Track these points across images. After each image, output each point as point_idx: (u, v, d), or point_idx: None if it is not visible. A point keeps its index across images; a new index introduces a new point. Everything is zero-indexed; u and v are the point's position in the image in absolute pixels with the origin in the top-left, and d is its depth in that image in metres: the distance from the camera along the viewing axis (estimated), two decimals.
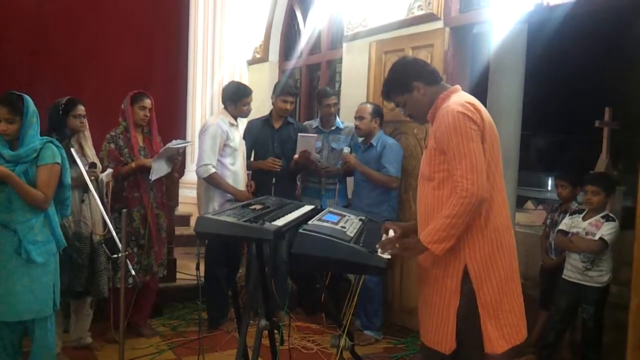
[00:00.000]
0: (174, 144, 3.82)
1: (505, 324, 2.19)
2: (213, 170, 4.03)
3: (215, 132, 4.05)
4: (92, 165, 3.49)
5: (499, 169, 2.26)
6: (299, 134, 4.26)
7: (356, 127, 4.17)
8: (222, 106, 4.28)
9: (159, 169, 3.82)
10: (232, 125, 4.16)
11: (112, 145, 3.76)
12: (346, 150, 4.22)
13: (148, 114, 3.84)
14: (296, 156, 4.23)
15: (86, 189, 3.35)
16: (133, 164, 3.74)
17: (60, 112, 3.45)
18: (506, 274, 2.20)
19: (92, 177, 3.43)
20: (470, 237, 2.17)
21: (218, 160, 4.09)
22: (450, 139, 2.14)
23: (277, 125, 4.44)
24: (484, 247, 2.17)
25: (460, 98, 2.25)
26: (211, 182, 4.07)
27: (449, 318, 2.20)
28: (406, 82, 2.32)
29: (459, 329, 2.19)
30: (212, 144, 4.04)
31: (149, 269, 3.87)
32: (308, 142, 4.18)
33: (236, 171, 4.15)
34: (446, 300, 2.22)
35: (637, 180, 2.85)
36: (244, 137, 4.37)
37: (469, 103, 2.20)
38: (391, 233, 2.42)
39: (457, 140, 2.12)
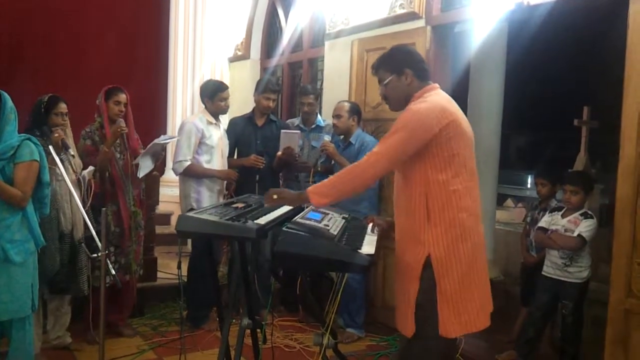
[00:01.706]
0: (162, 139, 3.79)
1: (464, 312, 2.27)
2: (187, 163, 4.04)
3: (190, 130, 4.08)
4: (65, 147, 3.37)
5: (469, 165, 2.32)
6: (282, 130, 4.25)
7: (334, 125, 4.18)
8: (203, 105, 4.28)
9: (146, 165, 3.79)
10: (210, 123, 4.16)
11: (88, 142, 3.71)
12: (327, 138, 4.22)
13: (123, 109, 3.78)
14: (279, 153, 4.22)
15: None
16: (105, 148, 3.63)
17: (43, 109, 3.40)
18: (469, 266, 2.27)
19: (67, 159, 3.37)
20: (434, 229, 2.25)
21: (194, 158, 4.10)
22: (398, 121, 2.27)
23: (260, 122, 4.42)
24: (447, 239, 2.25)
25: (433, 97, 2.33)
26: (189, 174, 4.09)
27: (410, 304, 2.30)
28: (401, 64, 2.39)
29: (418, 313, 2.28)
30: (187, 141, 4.07)
31: (128, 268, 3.83)
32: (291, 138, 4.18)
33: (214, 167, 4.15)
34: (408, 288, 2.32)
35: (615, 178, 2.90)
36: (227, 135, 4.35)
37: (437, 102, 2.28)
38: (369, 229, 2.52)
39: (401, 125, 2.25)
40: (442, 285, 2.25)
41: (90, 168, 3.58)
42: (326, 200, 2.28)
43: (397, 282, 2.43)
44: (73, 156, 3.45)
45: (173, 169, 4.15)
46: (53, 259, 3.36)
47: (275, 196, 2.36)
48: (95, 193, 3.61)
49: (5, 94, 2.75)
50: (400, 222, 2.38)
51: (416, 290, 2.28)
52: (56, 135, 3.38)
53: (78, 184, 3.50)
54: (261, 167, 4.22)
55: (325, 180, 2.33)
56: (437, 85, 2.43)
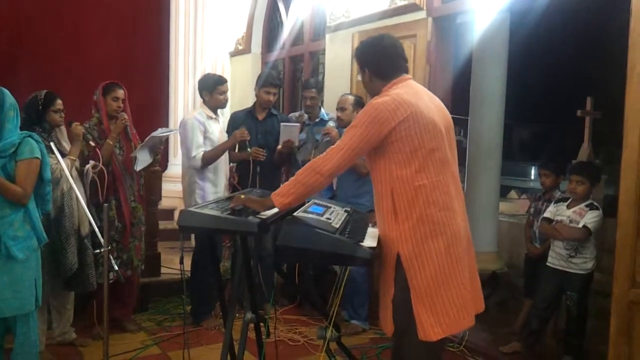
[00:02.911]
0: (159, 132, 3.77)
1: (442, 313, 2.20)
2: (201, 153, 4.03)
3: (193, 124, 4.07)
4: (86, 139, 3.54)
5: (438, 157, 2.25)
6: (282, 124, 4.25)
7: (338, 117, 4.16)
8: (201, 100, 4.27)
9: (143, 158, 3.78)
10: (210, 118, 4.15)
11: (89, 137, 3.70)
12: (331, 124, 4.22)
13: (121, 105, 3.76)
14: (279, 147, 4.21)
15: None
16: (109, 141, 3.65)
17: (40, 106, 3.39)
18: (442, 263, 2.21)
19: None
20: (402, 226, 2.22)
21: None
22: (355, 120, 2.28)
23: (260, 116, 4.41)
24: (415, 236, 2.20)
25: (398, 89, 2.30)
26: (208, 161, 4.06)
27: (388, 304, 2.29)
28: (361, 63, 2.45)
29: (395, 315, 2.27)
30: (194, 134, 4.04)
31: (130, 264, 3.83)
32: (291, 131, 4.17)
33: (216, 163, 4.14)
34: (385, 288, 2.31)
35: (619, 169, 2.88)
36: (228, 129, 4.35)
37: (396, 95, 2.24)
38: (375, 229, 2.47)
39: (354, 123, 2.26)
40: (415, 285, 2.19)
41: (92, 162, 3.57)
42: (289, 199, 2.24)
43: (379, 283, 2.41)
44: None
45: (192, 166, 4.08)
46: (73, 256, 3.39)
47: (242, 196, 2.39)
48: (107, 187, 3.62)
49: (5, 90, 2.74)
50: (377, 221, 2.37)
51: (392, 291, 2.26)
52: (79, 128, 3.45)
53: (80, 178, 3.51)
54: (262, 159, 4.21)
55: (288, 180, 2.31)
56: (407, 76, 2.39)
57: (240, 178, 4.32)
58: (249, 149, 4.17)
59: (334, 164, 2.21)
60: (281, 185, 2.31)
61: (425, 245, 2.19)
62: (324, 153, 2.26)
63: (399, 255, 2.22)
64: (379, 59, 2.40)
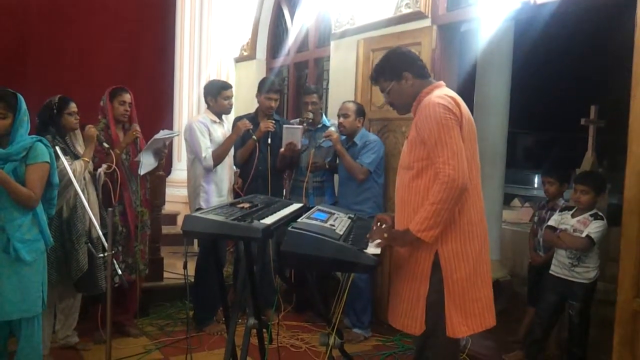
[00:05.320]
0: (161, 134, 3.79)
1: (471, 314, 2.28)
2: (210, 152, 4.05)
3: (199, 127, 4.10)
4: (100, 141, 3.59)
5: (475, 163, 2.34)
6: (284, 126, 4.27)
7: (340, 124, 4.16)
8: (206, 106, 4.29)
9: (148, 162, 3.79)
10: (214, 122, 4.17)
11: (102, 139, 3.72)
12: (333, 128, 4.24)
13: (128, 109, 3.77)
14: (282, 150, 4.22)
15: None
16: (117, 150, 3.67)
17: (55, 110, 3.42)
18: (475, 264, 2.28)
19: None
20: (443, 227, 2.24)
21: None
22: (432, 129, 2.22)
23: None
24: (456, 237, 2.25)
25: (442, 92, 2.34)
26: (219, 158, 4.09)
27: (419, 303, 2.30)
28: (398, 69, 2.40)
29: (427, 313, 2.29)
30: (201, 137, 4.07)
31: (135, 268, 3.84)
32: (293, 133, 4.18)
33: (221, 167, 4.16)
34: (416, 286, 2.31)
35: (623, 177, 2.88)
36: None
37: (449, 96, 2.30)
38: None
39: (437, 129, 2.21)
40: (450, 284, 2.25)
41: (104, 166, 3.59)
42: (439, 229, 2.18)
43: (402, 281, 2.40)
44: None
45: (205, 167, 4.08)
46: (84, 257, 3.41)
47: (386, 235, 2.31)
48: (118, 190, 3.64)
49: (21, 96, 2.78)
50: (407, 220, 2.32)
51: (426, 289, 2.28)
52: (92, 130, 3.50)
53: (93, 181, 3.53)
54: (273, 129, 4.22)
55: (421, 213, 2.20)
56: (442, 82, 2.45)
57: (243, 183, 4.33)
58: (254, 137, 4.20)
59: (461, 170, 2.15)
60: (417, 219, 2.21)
61: (464, 247, 2.25)
62: (445, 167, 2.16)
63: (437, 253, 2.25)
64: (415, 59, 2.44)
